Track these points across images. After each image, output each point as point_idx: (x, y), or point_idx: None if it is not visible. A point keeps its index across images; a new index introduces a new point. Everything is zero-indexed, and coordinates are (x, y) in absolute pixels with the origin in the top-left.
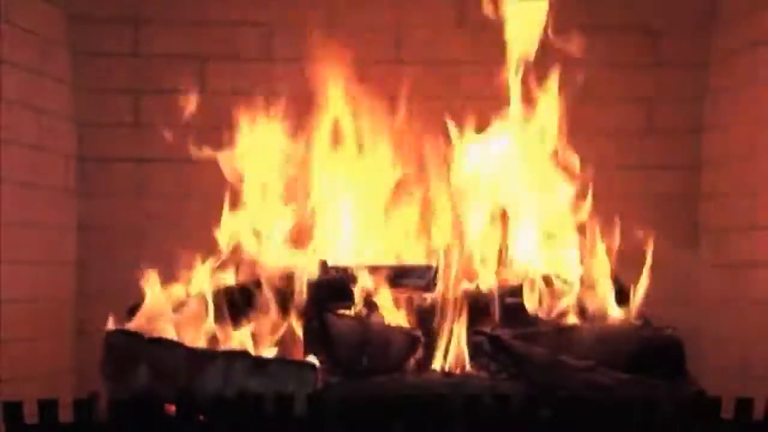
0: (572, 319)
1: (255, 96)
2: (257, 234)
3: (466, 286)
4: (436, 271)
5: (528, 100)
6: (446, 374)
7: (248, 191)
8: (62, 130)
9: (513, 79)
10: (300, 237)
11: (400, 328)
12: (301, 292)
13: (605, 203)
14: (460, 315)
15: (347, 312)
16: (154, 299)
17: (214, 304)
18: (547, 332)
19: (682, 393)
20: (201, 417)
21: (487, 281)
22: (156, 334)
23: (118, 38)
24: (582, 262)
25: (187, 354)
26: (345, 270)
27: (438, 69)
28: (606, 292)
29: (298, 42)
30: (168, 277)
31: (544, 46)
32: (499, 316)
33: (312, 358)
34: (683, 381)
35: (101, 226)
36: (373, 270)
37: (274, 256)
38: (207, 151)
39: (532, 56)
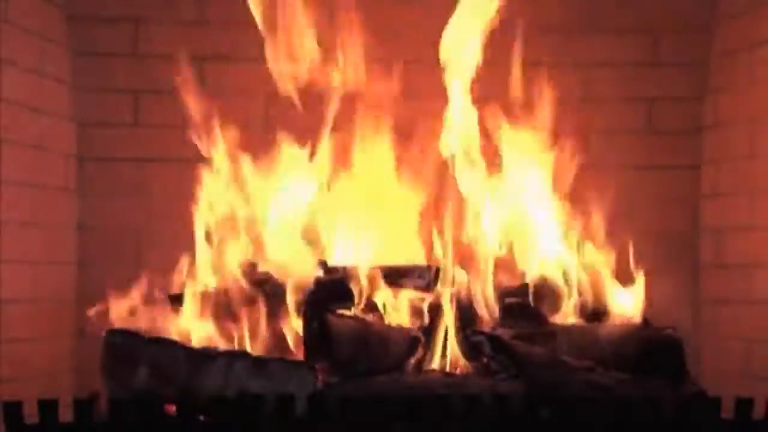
0: (572, 319)
1: (255, 96)
2: (257, 234)
3: (466, 286)
4: (437, 271)
5: (528, 99)
6: (446, 374)
7: (248, 191)
8: (62, 130)
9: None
10: (300, 237)
11: (400, 328)
12: (301, 293)
13: (605, 203)
14: (459, 315)
15: (347, 312)
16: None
17: (214, 304)
18: (547, 332)
19: (682, 393)
20: (201, 417)
21: (487, 281)
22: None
23: (118, 38)
24: (582, 262)
25: (187, 354)
26: (345, 270)
27: (437, 69)
28: (606, 292)
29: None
30: (167, 278)
31: (544, 46)
32: (499, 316)
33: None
34: (683, 381)
35: (101, 226)
36: (373, 270)
37: (274, 256)
38: (207, 151)
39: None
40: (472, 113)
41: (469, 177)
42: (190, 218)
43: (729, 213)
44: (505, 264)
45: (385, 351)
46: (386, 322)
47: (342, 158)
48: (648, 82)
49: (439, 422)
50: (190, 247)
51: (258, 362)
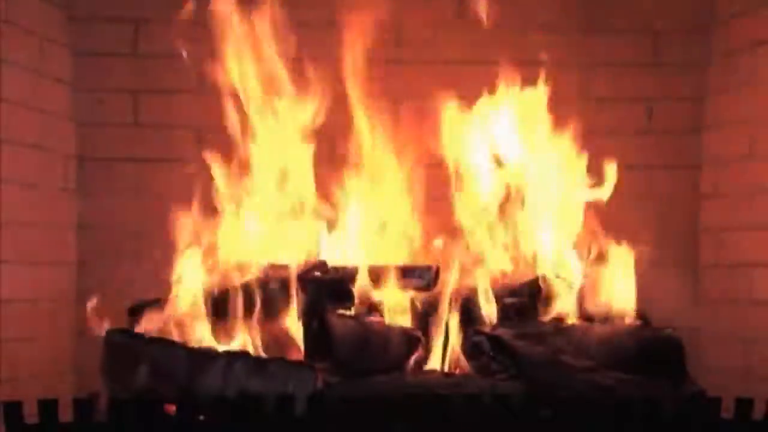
0: (572, 319)
1: (254, 96)
2: (257, 234)
3: (466, 285)
4: (437, 271)
5: (529, 100)
6: (446, 374)
7: (248, 191)
8: (62, 130)
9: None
10: (299, 237)
11: (400, 328)
12: (301, 293)
13: (604, 203)
14: (459, 315)
15: (347, 312)
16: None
17: (214, 305)
18: (547, 332)
19: (682, 393)
20: (201, 417)
21: (488, 281)
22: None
23: (118, 38)
24: (582, 262)
25: (187, 354)
26: (345, 270)
27: (438, 69)
28: (606, 292)
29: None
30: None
31: (545, 46)
32: (498, 316)
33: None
34: (683, 381)
35: (101, 226)
36: (373, 270)
37: (274, 256)
38: (207, 151)
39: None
40: (471, 113)
41: (469, 176)
42: (190, 218)
43: (729, 213)
44: (505, 264)
45: (385, 351)
46: (386, 322)
47: (341, 158)
48: (648, 82)
49: (439, 422)
50: (188, 247)
51: (258, 362)
